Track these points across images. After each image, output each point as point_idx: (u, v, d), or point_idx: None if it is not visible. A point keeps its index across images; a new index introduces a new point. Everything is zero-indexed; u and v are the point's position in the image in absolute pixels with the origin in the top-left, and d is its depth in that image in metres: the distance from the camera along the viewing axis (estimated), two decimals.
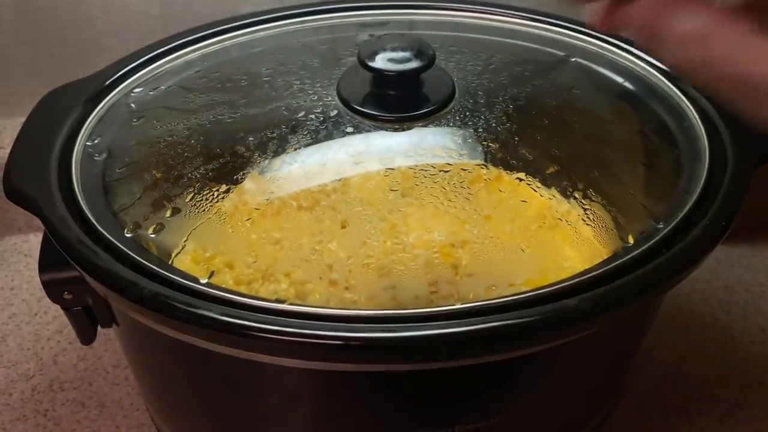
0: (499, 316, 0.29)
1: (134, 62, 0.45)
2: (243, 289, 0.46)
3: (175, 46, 0.47)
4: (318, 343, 0.29)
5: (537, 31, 0.49)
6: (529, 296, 0.31)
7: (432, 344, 0.29)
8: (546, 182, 0.54)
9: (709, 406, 0.52)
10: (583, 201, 0.52)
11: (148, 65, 0.46)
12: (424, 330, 0.29)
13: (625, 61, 0.46)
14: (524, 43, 0.49)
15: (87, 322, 0.39)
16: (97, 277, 0.32)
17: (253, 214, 0.52)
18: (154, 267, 0.33)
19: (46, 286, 0.37)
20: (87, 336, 0.41)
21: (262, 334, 0.29)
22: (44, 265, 0.37)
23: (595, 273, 0.32)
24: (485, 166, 0.55)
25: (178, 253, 0.42)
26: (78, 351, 0.56)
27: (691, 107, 0.42)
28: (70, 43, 0.59)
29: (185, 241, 0.50)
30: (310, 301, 0.45)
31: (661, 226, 0.35)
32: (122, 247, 0.34)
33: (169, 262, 0.48)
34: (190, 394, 0.39)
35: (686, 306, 0.60)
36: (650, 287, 0.31)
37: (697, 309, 0.60)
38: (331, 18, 0.52)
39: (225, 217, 0.52)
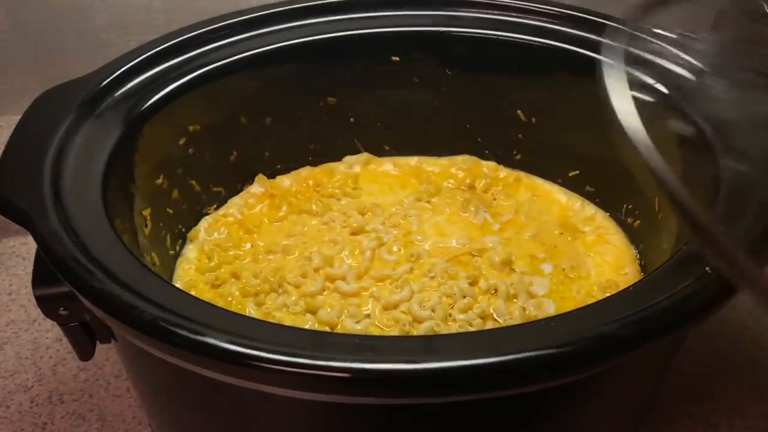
0: (530, 346, 0.27)
1: (132, 61, 0.42)
2: (250, 302, 0.44)
3: (178, 42, 0.45)
4: (332, 376, 0.26)
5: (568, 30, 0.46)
6: (565, 320, 0.29)
7: (462, 377, 0.26)
8: (571, 186, 0.51)
9: (739, 421, 0.50)
10: (610, 205, 0.50)
11: (149, 67, 0.43)
12: (454, 361, 0.26)
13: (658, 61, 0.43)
14: (556, 43, 0.46)
15: (85, 337, 0.37)
16: (91, 299, 0.29)
17: (261, 220, 0.50)
18: (156, 287, 0.30)
19: (41, 301, 0.35)
20: (85, 352, 0.39)
21: (272, 366, 0.26)
22: (38, 279, 0.34)
23: (636, 296, 0.30)
24: (504, 166, 0.53)
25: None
26: (78, 360, 0.53)
27: (730, 108, 0.39)
28: (68, 37, 0.57)
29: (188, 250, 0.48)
30: (321, 314, 0.42)
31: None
32: (120, 265, 0.31)
33: (173, 270, 0.46)
34: (192, 415, 0.36)
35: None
36: (698, 312, 0.29)
37: (724, 317, 0.57)
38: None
39: (231, 223, 0.49)
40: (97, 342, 0.38)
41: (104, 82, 0.41)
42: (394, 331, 0.41)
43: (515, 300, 0.44)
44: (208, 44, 0.46)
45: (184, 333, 0.28)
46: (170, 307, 0.29)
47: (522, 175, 0.53)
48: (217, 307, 0.31)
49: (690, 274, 0.30)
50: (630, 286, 0.31)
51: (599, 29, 0.45)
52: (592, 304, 0.30)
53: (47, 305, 0.35)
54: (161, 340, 0.28)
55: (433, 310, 0.42)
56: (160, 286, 0.31)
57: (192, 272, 0.46)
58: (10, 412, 0.50)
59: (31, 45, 0.57)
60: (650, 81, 0.42)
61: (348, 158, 0.53)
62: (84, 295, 0.30)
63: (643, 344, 0.28)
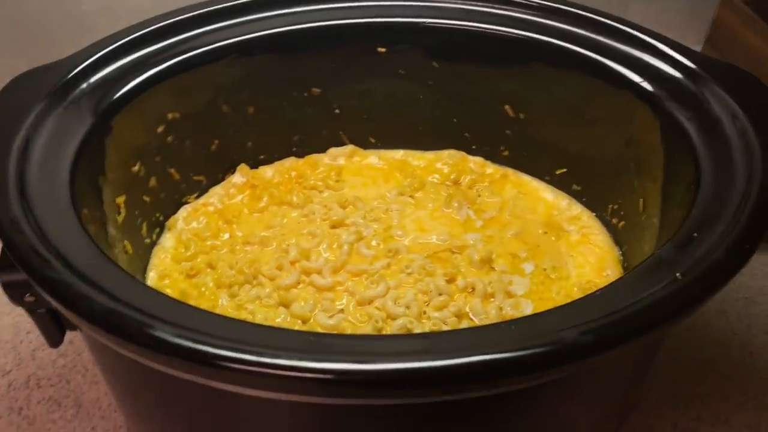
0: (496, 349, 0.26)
1: (109, 47, 0.42)
2: (224, 293, 0.43)
3: (158, 28, 0.44)
4: (284, 375, 0.25)
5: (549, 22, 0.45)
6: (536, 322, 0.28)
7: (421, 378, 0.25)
8: (558, 184, 0.50)
9: (723, 429, 0.48)
10: (596, 205, 0.49)
11: (127, 52, 0.42)
12: (407, 362, 0.25)
13: (646, 58, 0.42)
14: (537, 36, 0.45)
15: (53, 324, 0.37)
16: (44, 287, 0.29)
17: (241, 211, 0.49)
18: (114, 278, 0.30)
19: (6, 287, 0.34)
20: (54, 339, 0.38)
21: (222, 363, 0.26)
22: (4, 266, 0.34)
23: (602, 300, 0.29)
24: (492, 162, 0.51)
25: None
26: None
27: (717, 109, 0.38)
28: (54, 22, 0.56)
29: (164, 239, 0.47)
30: (294, 308, 0.42)
31: (680, 243, 0.32)
32: (80, 254, 0.31)
33: (149, 258, 0.46)
34: (155, 409, 0.36)
35: (701, 318, 0.56)
36: (663, 320, 0.28)
37: (713, 322, 0.56)
38: None
39: (211, 212, 0.49)
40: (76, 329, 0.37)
41: (79, 68, 0.40)
42: (367, 327, 0.41)
43: (492, 299, 0.43)
44: (189, 30, 0.45)
45: (134, 325, 0.27)
46: (125, 298, 0.29)
47: (509, 171, 0.52)
48: (174, 299, 0.30)
49: (658, 281, 0.29)
50: (597, 290, 0.30)
51: (585, 23, 0.43)
52: (557, 307, 0.29)
53: (12, 291, 0.34)
54: (110, 332, 0.27)
55: (407, 307, 0.42)
56: (119, 276, 0.31)
57: (167, 261, 0.45)
58: None
59: (17, 28, 0.56)
60: (636, 78, 0.41)
61: (333, 150, 0.53)
62: (37, 283, 0.29)
63: (604, 351, 0.27)
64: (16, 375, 0.52)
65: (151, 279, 0.44)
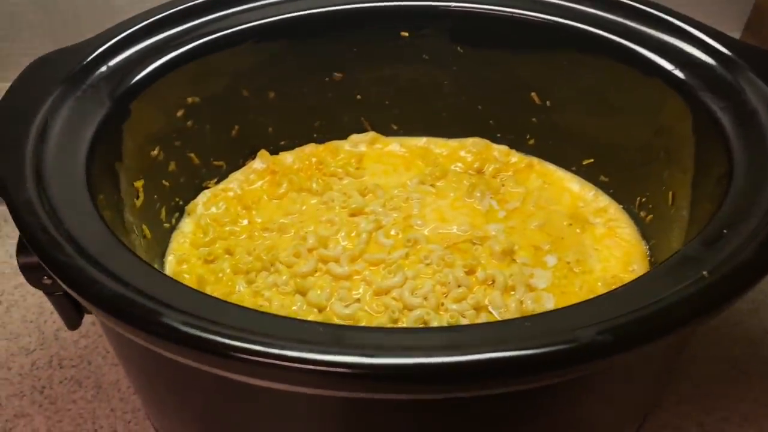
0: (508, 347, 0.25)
1: (129, 30, 0.41)
2: (241, 279, 0.43)
3: (179, 11, 0.44)
4: (293, 367, 0.25)
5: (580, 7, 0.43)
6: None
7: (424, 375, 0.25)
8: (585, 175, 0.48)
9: (751, 431, 0.47)
10: (624, 197, 0.47)
11: (147, 36, 0.42)
12: (407, 358, 0.25)
13: (677, 44, 0.40)
14: (564, 21, 0.44)
15: (70, 307, 0.37)
16: (54, 270, 0.29)
17: (260, 197, 0.49)
18: (126, 263, 0.30)
19: (23, 269, 0.34)
20: (72, 322, 0.38)
21: (231, 353, 0.25)
22: (22, 248, 0.34)
23: (622, 298, 0.28)
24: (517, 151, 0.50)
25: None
26: (80, 327, 0.54)
27: (753, 98, 0.36)
28: (80, 4, 0.56)
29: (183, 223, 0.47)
30: (311, 296, 0.41)
31: (708, 240, 0.30)
32: (93, 238, 0.31)
33: (168, 243, 0.46)
34: (166, 395, 0.36)
35: (732, 317, 0.54)
36: (684, 321, 0.26)
37: (745, 321, 0.54)
38: None
39: (230, 198, 0.49)
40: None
41: (98, 51, 0.40)
42: (383, 318, 0.40)
43: (513, 292, 0.42)
44: (209, 14, 0.44)
45: (142, 311, 0.27)
46: (135, 284, 0.28)
47: (535, 161, 0.51)
48: (185, 286, 0.30)
49: (683, 279, 0.28)
50: (618, 287, 0.29)
51: (613, 7, 0.42)
52: (575, 304, 0.28)
53: (30, 274, 0.34)
54: (118, 318, 0.27)
55: (425, 298, 0.41)
56: (131, 262, 0.30)
57: (186, 246, 0.45)
58: (11, 374, 0.51)
59: (44, 11, 0.56)
60: (667, 65, 0.39)
61: (354, 137, 0.52)
62: (47, 265, 0.29)
63: (621, 352, 0.26)
64: (40, 354, 0.52)
65: (170, 263, 0.44)
